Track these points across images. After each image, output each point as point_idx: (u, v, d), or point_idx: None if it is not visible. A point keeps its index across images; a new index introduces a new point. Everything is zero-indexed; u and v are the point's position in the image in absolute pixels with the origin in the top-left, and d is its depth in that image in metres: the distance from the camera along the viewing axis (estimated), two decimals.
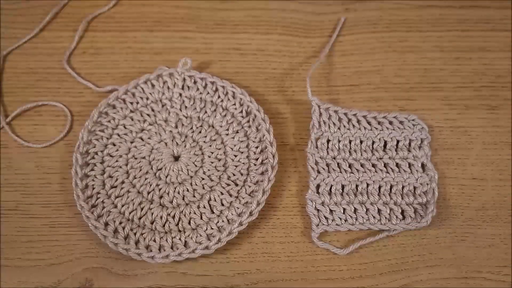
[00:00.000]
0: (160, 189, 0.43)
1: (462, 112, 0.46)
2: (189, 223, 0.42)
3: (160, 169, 0.43)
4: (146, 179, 0.43)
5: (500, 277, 0.40)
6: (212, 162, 0.43)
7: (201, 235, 0.41)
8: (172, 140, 0.44)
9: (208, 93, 0.45)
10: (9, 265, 0.42)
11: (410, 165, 0.43)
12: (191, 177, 0.43)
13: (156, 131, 0.45)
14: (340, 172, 0.43)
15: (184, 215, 0.42)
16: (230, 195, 0.42)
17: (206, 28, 0.50)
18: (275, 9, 0.51)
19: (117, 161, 0.44)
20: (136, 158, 0.44)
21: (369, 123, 0.45)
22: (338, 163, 0.43)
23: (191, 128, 0.44)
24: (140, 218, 0.42)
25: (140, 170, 0.43)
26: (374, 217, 0.42)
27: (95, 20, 0.50)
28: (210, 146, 0.44)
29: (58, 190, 0.44)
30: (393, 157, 0.43)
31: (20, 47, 0.50)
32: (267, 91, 0.47)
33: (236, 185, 0.42)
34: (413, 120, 0.45)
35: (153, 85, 0.46)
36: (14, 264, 0.42)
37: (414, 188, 0.42)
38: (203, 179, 0.43)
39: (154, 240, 0.41)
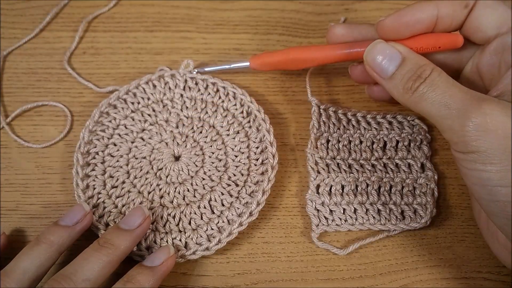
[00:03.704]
0: (160, 189, 0.43)
1: None
2: (190, 223, 0.42)
3: (161, 169, 0.43)
4: (146, 179, 0.43)
5: (500, 277, 0.41)
6: (212, 163, 0.43)
7: (201, 236, 0.41)
8: (173, 140, 0.44)
9: (209, 93, 0.45)
10: None
11: (409, 165, 0.43)
12: (192, 177, 0.43)
13: (157, 131, 0.45)
14: (340, 172, 0.43)
15: (185, 215, 0.42)
16: (231, 196, 0.42)
17: (206, 28, 0.50)
18: (275, 9, 0.51)
19: (118, 161, 0.44)
20: (137, 158, 0.44)
21: (368, 123, 0.45)
22: (337, 164, 0.43)
23: (192, 128, 0.44)
24: None
25: (141, 170, 0.43)
26: (374, 217, 0.42)
27: (95, 20, 0.50)
28: (211, 146, 0.44)
29: (59, 190, 0.44)
30: (392, 157, 0.43)
31: (20, 47, 0.49)
32: (267, 92, 0.48)
33: (237, 185, 0.42)
34: (412, 120, 0.45)
35: (154, 86, 0.46)
36: None
37: (414, 188, 0.43)
38: (203, 179, 0.43)
39: (155, 241, 0.41)
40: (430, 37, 0.38)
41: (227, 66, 0.45)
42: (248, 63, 0.44)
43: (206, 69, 0.46)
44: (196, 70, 0.46)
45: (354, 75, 0.43)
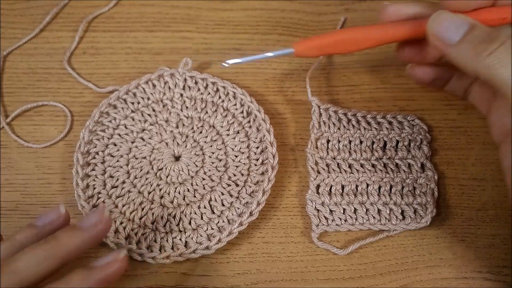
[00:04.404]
0: (160, 189, 0.43)
1: (462, 112, 0.46)
2: (190, 223, 0.42)
3: (161, 169, 0.43)
4: (146, 179, 0.43)
5: (500, 277, 0.41)
6: (213, 163, 0.43)
7: (201, 235, 0.41)
8: (173, 140, 0.44)
9: (209, 93, 0.45)
10: None
11: (409, 165, 0.43)
12: (192, 177, 0.43)
13: (157, 131, 0.45)
14: (340, 172, 0.43)
15: (185, 215, 0.42)
16: (231, 196, 0.42)
17: (206, 28, 0.50)
18: (275, 9, 0.51)
19: (118, 161, 0.44)
20: (137, 158, 0.44)
21: (368, 123, 0.45)
22: (338, 164, 0.43)
23: (192, 128, 0.44)
24: (141, 218, 0.42)
25: (141, 170, 0.43)
26: (374, 217, 0.42)
27: (95, 20, 0.50)
28: (211, 146, 0.44)
29: (58, 190, 0.44)
30: (392, 157, 0.43)
31: (20, 47, 0.49)
32: (267, 92, 0.48)
33: (237, 185, 0.42)
34: (412, 120, 0.45)
35: (154, 85, 0.46)
36: None
37: (414, 188, 0.43)
38: (203, 179, 0.43)
39: (155, 241, 0.41)
40: (492, 10, 0.37)
41: (267, 55, 0.40)
42: (292, 50, 0.39)
43: (237, 60, 0.40)
44: (223, 64, 0.41)
45: (402, 55, 0.41)
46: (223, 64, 0.40)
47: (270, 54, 0.40)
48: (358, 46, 0.39)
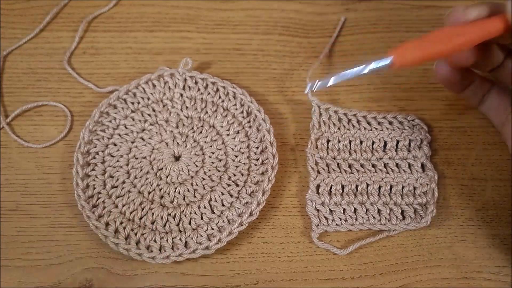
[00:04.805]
0: (160, 189, 0.43)
1: (462, 112, 0.46)
2: (190, 223, 0.42)
3: (161, 169, 0.43)
4: (146, 179, 0.43)
5: (500, 277, 0.41)
6: (213, 163, 0.43)
7: (201, 235, 0.41)
8: (173, 140, 0.44)
9: (209, 93, 0.45)
10: (9, 265, 0.42)
11: (410, 165, 0.43)
12: (192, 177, 0.43)
13: (157, 131, 0.45)
14: (340, 172, 0.43)
15: (185, 215, 0.42)
16: (231, 196, 0.42)
17: (206, 28, 0.50)
18: (275, 9, 0.51)
19: (118, 161, 0.44)
20: (137, 158, 0.44)
21: (369, 123, 0.45)
22: (338, 164, 0.43)
23: (192, 128, 0.44)
24: (140, 218, 0.42)
25: (141, 170, 0.43)
26: (374, 217, 0.42)
27: (95, 20, 0.50)
28: (211, 146, 0.44)
29: (58, 190, 0.44)
30: (393, 157, 0.43)
31: (20, 47, 0.49)
32: (267, 92, 0.47)
33: (237, 185, 0.42)
34: (412, 120, 0.45)
35: (154, 85, 0.46)
36: (14, 264, 0.42)
37: (414, 188, 0.43)
38: (203, 179, 0.43)
39: (155, 241, 0.41)
40: None
41: (363, 70, 0.35)
42: (389, 59, 0.34)
43: (330, 81, 0.35)
44: (314, 86, 0.36)
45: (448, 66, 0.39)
46: (309, 89, 0.36)
47: (365, 68, 0.35)
48: (452, 43, 0.34)
